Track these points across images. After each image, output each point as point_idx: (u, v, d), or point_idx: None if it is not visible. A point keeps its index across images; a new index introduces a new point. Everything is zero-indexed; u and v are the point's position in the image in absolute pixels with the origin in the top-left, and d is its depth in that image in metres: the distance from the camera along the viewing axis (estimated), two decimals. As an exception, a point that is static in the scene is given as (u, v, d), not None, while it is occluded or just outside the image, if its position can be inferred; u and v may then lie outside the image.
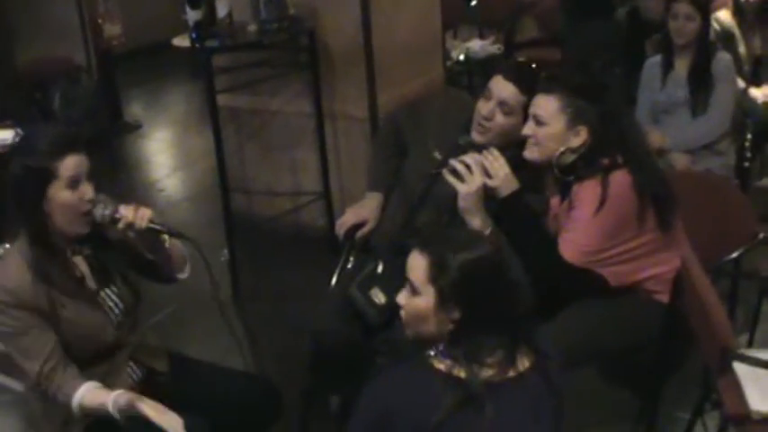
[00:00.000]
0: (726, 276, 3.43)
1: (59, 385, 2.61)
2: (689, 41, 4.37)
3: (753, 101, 4.78)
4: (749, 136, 4.50)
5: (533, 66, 3.18)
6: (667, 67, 4.47)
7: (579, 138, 2.81)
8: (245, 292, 4.57)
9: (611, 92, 2.87)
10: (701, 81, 4.35)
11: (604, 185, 2.74)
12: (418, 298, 2.05)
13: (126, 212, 2.68)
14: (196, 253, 2.81)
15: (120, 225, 2.68)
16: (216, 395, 2.94)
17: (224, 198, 4.57)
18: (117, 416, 2.56)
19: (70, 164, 2.61)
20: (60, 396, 2.61)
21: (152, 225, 2.70)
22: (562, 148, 2.82)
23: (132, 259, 2.87)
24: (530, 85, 2.96)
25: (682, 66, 4.43)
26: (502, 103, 3.00)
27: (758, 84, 5.00)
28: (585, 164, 2.82)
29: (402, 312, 2.13)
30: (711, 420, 3.13)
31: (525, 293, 2.12)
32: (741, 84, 4.76)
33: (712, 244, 3.16)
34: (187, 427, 2.75)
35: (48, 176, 2.59)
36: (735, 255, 3.16)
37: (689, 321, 2.82)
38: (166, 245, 2.82)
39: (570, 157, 2.84)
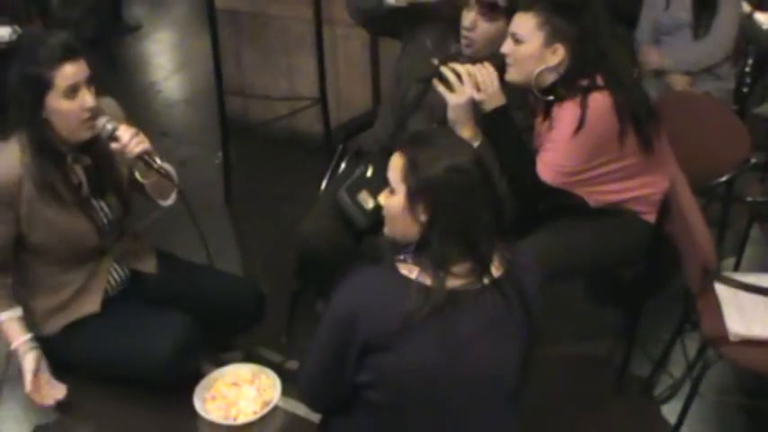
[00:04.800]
0: (717, 201, 3.44)
1: None
2: (693, -39, 4.29)
3: (757, 26, 4.69)
4: (751, 61, 4.43)
5: None
6: (672, -13, 4.39)
7: (556, 56, 2.76)
8: (238, 195, 4.58)
9: (591, 10, 2.80)
10: (705, 3, 4.27)
11: (583, 106, 2.71)
12: (393, 197, 2.05)
13: (124, 135, 2.67)
14: (193, 156, 2.80)
15: (114, 146, 2.68)
16: (202, 294, 2.98)
17: (220, 101, 4.54)
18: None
19: (67, 72, 2.59)
20: None
21: (143, 157, 2.70)
22: (540, 68, 2.78)
23: (127, 175, 2.87)
24: None
25: (686, -14, 4.36)
26: (483, 10, 2.93)
27: (763, 9, 4.90)
28: (565, 84, 2.78)
29: (383, 212, 2.12)
30: (691, 341, 3.19)
31: (501, 209, 2.06)
32: (746, 8, 4.69)
33: (705, 167, 3.15)
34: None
35: (44, 86, 2.58)
36: (725, 178, 3.17)
37: (674, 241, 2.84)
38: (159, 170, 2.80)
39: (549, 78, 2.80)
